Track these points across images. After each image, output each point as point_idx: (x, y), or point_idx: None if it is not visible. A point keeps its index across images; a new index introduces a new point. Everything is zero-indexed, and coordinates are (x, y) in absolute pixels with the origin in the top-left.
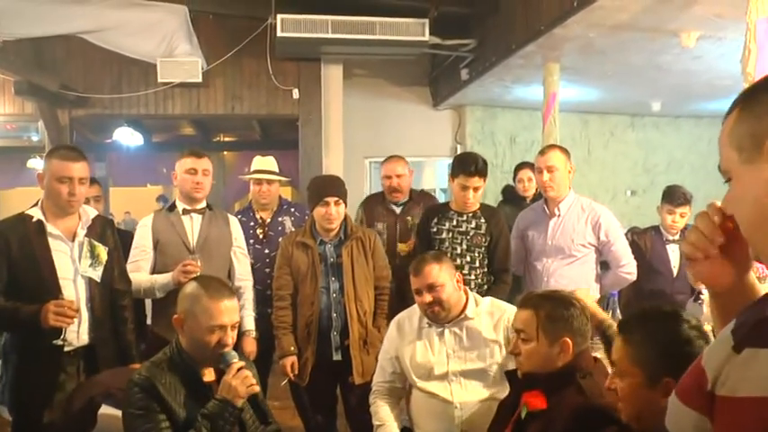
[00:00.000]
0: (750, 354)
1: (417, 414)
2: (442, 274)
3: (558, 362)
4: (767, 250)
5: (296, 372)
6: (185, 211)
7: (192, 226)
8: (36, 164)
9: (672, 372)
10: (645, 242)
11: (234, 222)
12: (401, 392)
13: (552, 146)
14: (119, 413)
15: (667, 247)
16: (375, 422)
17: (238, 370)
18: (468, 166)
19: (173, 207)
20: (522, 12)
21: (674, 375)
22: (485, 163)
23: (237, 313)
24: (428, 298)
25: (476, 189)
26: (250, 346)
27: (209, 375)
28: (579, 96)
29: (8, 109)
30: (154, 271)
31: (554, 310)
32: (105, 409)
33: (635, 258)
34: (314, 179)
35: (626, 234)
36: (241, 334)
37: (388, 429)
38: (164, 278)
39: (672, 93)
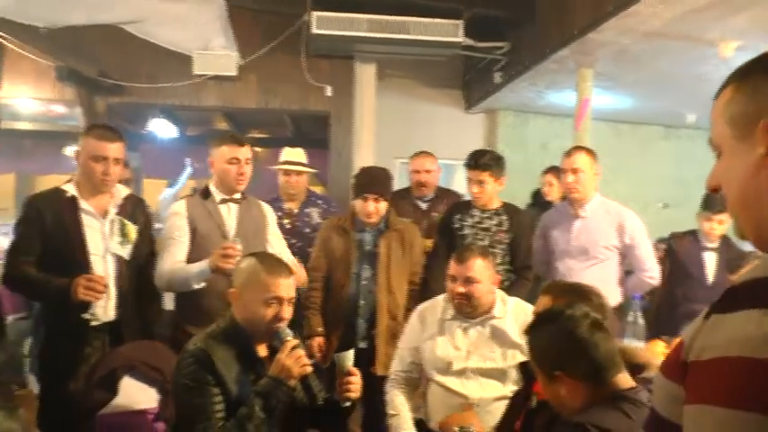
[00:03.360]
0: (716, 319)
1: (433, 407)
2: (484, 272)
3: None
4: (751, 229)
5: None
6: (223, 201)
7: (230, 215)
8: (72, 151)
9: (559, 365)
10: (682, 246)
11: (268, 210)
12: (417, 383)
13: (578, 147)
14: (142, 386)
15: (704, 254)
16: (389, 411)
17: (292, 349)
18: (470, 159)
19: (207, 194)
20: (556, 16)
21: (562, 368)
22: (493, 159)
23: (294, 289)
24: (461, 289)
25: (480, 183)
26: None
27: (261, 351)
28: (612, 105)
29: (48, 94)
30: (189, 262)
31: (570, 301)
32: (128, 381)
33: (670, 262)
34: (362, 169)
35: (660, 241)
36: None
37: (402, 420)
38: (199, 266)
39: (709, 105)
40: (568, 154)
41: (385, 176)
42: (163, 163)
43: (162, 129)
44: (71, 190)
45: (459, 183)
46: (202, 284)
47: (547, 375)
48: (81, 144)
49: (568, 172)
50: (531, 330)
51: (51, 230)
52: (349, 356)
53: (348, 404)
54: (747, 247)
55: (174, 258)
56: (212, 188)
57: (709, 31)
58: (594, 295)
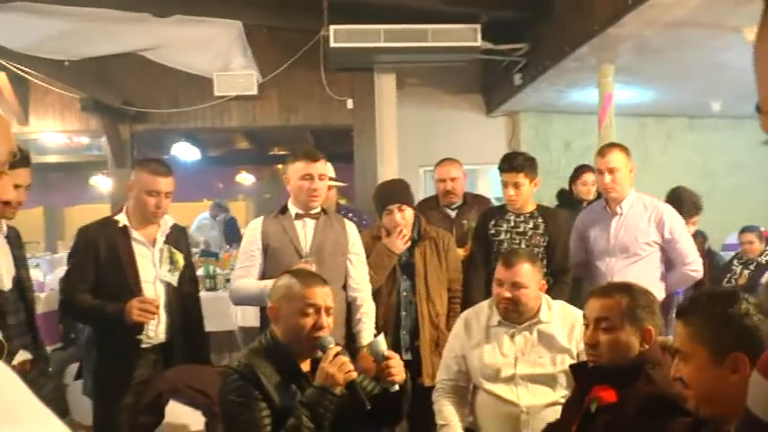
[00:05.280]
0: None
1: (482, 416)
2: (531, 277)
3: (636, 351)
4: None
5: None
6: (298, 216)
7: (306, 231)
8: (99, 181)
9: (737, 345)
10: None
11: (351, 228)
12: (465, 392)
13: (611, 145)
14: (188, 409)
15: None
16: (439, 421)
17: (335, 356)
18: (503, 162)
19: (284, 210)
20: (574, 13)
21: (741, 348)
22: (527, 159)
23: (331, 298)
24: (507, 294)
25: (515, 185)
26: (368, 362)
27: (304, 366)
28: (635, 99)
29: (74, 125)
30: (263, 278)
31: (637, 299)
32: (174, 404)
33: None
34: (377, 187)
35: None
36: (358, 349)
37: (453, 430)
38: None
39: (733, 92)
40: (602, 153)
41: (401, 185)
42: (186, 186)
43: (185, 152)
44: (123, 220)
45: (483, 187)
46: None
47: (716, 355)
48: (134, 177)
49: (605, 172)
50: (697, 305)
51: (105, 259)
52: (381, 341)
53: (396, 388)
54: None
55: (248, 274)
56: (290, 204)
57: (731, 17)
58: (643, 293)
